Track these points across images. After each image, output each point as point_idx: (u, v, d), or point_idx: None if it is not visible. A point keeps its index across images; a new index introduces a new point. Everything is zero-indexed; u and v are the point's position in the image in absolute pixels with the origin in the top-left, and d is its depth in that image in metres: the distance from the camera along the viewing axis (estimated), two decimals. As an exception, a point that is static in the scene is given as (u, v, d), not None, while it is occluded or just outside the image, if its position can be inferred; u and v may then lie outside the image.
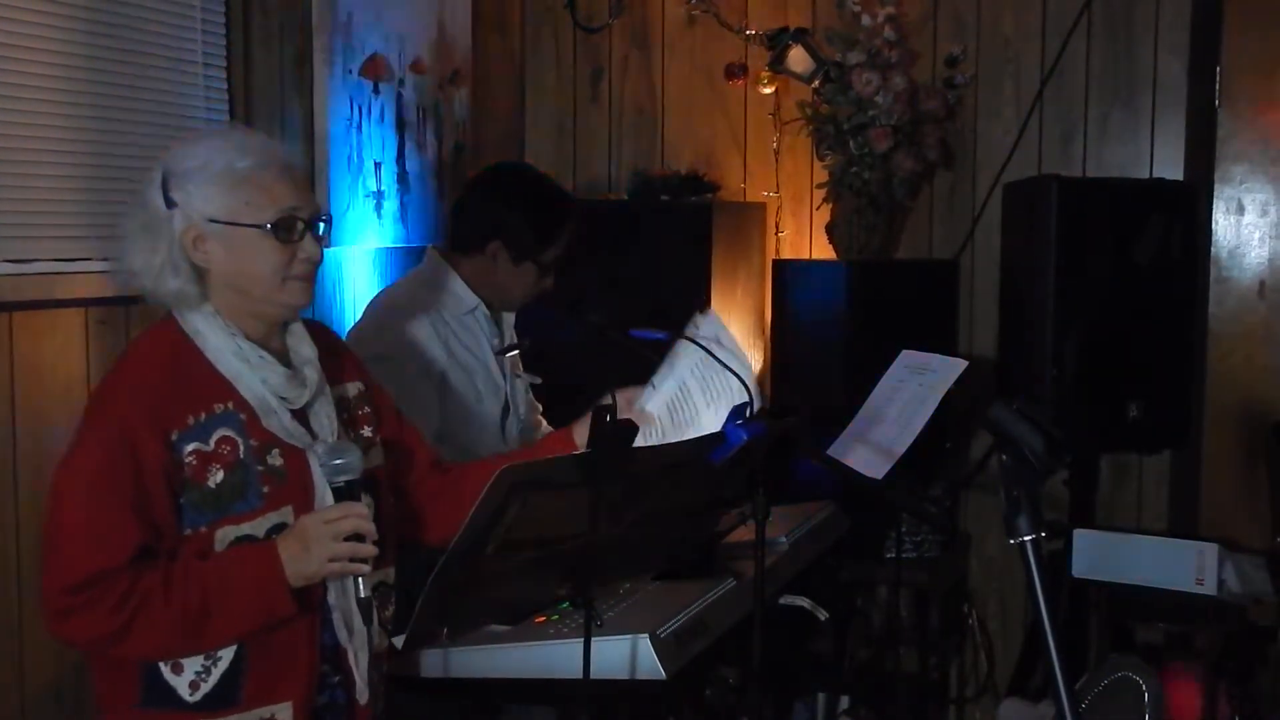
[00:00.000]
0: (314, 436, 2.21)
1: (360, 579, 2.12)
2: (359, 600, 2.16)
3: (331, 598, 2.19)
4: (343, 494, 2.13)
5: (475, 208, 3.26)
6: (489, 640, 2.46)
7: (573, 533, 2.47)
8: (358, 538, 2.10)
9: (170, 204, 2.14)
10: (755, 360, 4.41)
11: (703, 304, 3.99)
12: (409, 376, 3.01)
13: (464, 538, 2.37)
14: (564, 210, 3.24)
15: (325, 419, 2.24)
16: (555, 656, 2.37)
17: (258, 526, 2.12)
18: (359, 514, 2.10)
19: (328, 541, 2.07)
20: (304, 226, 2.18)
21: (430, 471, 2.56)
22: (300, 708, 2.16)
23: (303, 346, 2.25)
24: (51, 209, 2.81)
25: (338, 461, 2.12)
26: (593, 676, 2.24)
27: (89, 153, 2.90)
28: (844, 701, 3.96)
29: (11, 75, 2.71)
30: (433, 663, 2.46)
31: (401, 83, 3.97)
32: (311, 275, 2.22)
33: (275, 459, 2.15)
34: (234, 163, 2.15)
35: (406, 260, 3.91)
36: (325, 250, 2.25)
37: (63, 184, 2.85)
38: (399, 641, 2.45)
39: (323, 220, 2.23)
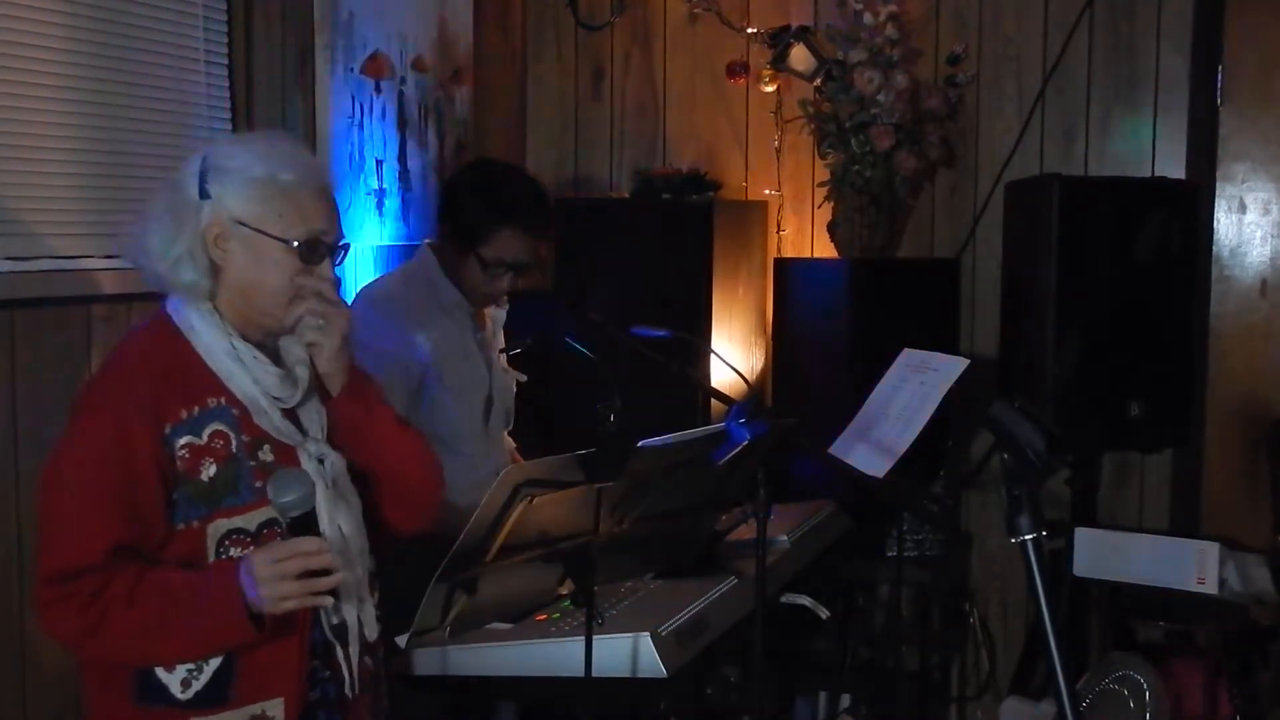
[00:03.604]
0: (304, 434, 2.21)
1: (326, 609, 2.09)
2: (332, 627, 2.16)
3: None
4: (295, 529, 2.06)
5: (444, 185, 3.34)
6: (491, 638, 2.47)
7: (575, 531, 2.47)
8: (321, 571, 2.03)
9: (204, 194, 2.14)
10: (756, 359, 4.41)
11: (703, 302, 4.01)
12: (385, 368, 3.03)
13: (468, 536, 2.37)
14: (509, 210, 3.14)
15: (315, 414, 2.24)
16: (557, 655, 2.37)
17: (249, 520, 2.12)
18: (306, 552, 2.02)
19: (275, 582, 2.02)
20: (325, 250, 2.19)
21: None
22: (292, 704, 2.16)
23: (294, 346, 2.24)
24: (53, 206, 2.82)
25: (285, 500, 2.04)
26: (594, 675, 2.24)
27: (91, 150, 2.90)
28: (845, 700, 3.96)
29: (14, 73, 2.71)
30: (434, 661, 2.46)
31: (403, 81, 3.97)
32: None
33: (267, 454, 2.15)
34: (277, 173, 2.15)
35: (407, 258, 3.91)
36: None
37: (65, 182, 2.85)
38: (402, 641, 2.46)
39: (343, 247, 2.23)
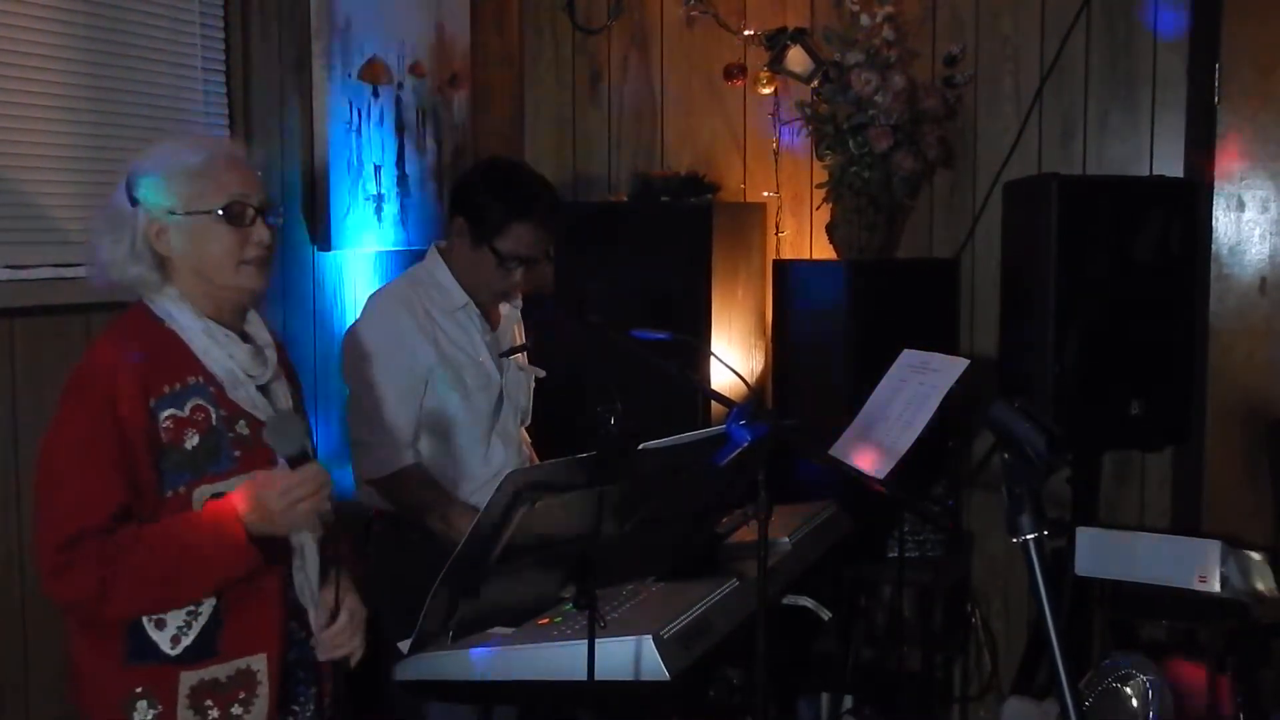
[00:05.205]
0: (276, 410, 2.36)
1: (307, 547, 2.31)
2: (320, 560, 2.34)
3: (294, 562, 2.34)
4: (294, 464, 2.23)
5: (458, 182, 3.37)
6: (493, 642, 2.47)
7: (576, 534, 2.47)
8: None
9: (133, 203, 2.30)
10: (756, 361, 4.41)
11: (703, 305, 4.01)
12: (396, 373, 3.11)
13: (470, 542, 2.38)
14: (525, 204, 3.20)
15: (283, 397, 2.41)
16: (559, 658, 2.37)
17: (230, 485, 2.27)
18: (311, 477, 2.21)
19: (288, 510, 2.21)
20: (254, 212, 2.33)
21: None
22: (274, 659, 2.31)
23: (261, 333, 2.42)
24: (52, 215, 2.82)
25: (284, 438, 2.24)
26: (597, 678, 2.24)
27: (89, 159, 2.90)
28: (848, 701, 3.96)
29: (12, 81, 2.72)
30: (438, 665, 2.46)
31: (400, 86, 3.97)
32: (265, 260, 2.35)
33: (243, 429, 2.31)
34: (187, 159, 2.31)
35: (406, 264, 3.91)
36: (280, 236, 2.40)
37: (63, 190, 2.85)
38: (405, 645, 2.46)
39: (275, 209, 2.38)
